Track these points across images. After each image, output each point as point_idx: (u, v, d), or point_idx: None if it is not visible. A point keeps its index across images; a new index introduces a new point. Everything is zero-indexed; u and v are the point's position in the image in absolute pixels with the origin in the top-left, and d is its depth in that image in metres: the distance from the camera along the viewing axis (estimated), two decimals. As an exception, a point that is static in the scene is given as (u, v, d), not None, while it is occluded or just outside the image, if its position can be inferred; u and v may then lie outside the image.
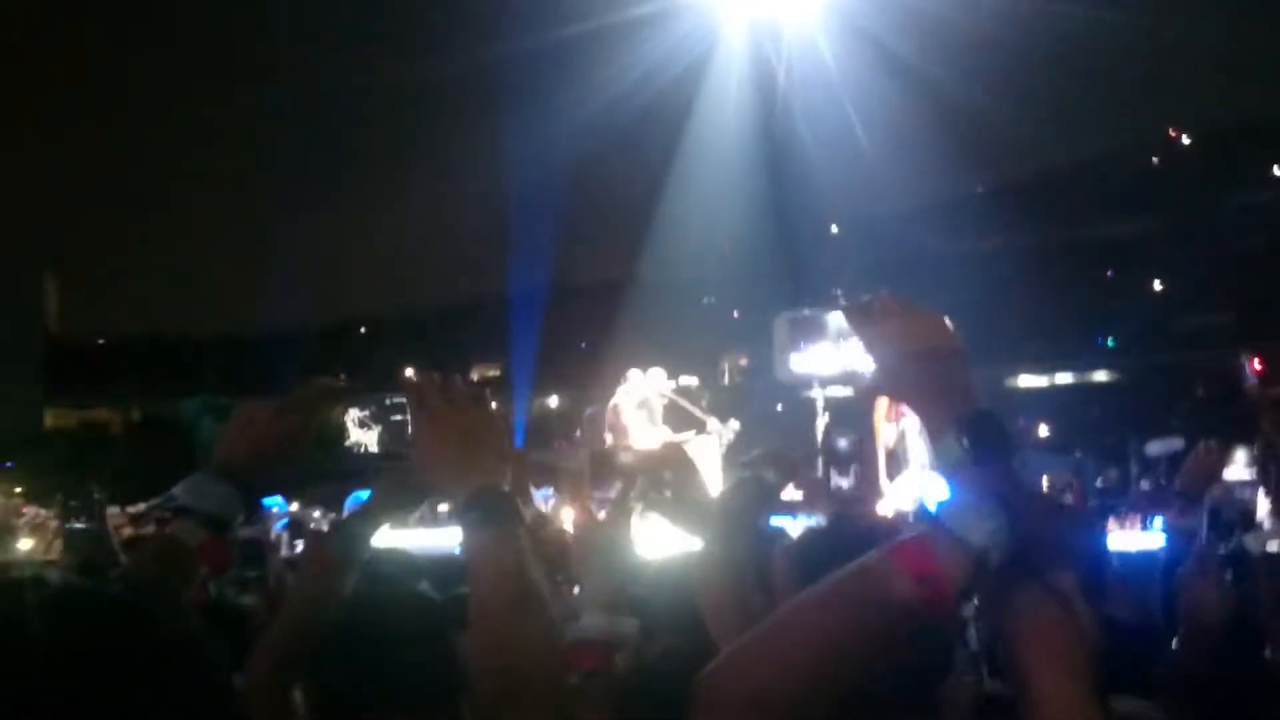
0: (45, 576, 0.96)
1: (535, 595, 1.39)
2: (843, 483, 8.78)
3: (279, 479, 1.92)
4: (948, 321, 1.26)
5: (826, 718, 1.11)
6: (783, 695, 1.09)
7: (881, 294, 1.30)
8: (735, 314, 28.40)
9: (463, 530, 1.44)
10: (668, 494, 2.01)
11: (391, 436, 1.86)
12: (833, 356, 9.86)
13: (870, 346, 1.27)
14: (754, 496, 2.22)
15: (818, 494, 8.51)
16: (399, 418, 1.77)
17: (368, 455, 1.92)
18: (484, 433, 1.50)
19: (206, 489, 1.77)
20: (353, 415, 1.91)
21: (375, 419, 1.93)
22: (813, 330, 10.19)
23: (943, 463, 1.19)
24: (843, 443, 9.66)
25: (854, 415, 10.48)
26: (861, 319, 1.28)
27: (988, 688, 1.16)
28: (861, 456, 9.85)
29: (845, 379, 9.85)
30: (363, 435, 1.90)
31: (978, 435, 1.18)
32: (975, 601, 1.13)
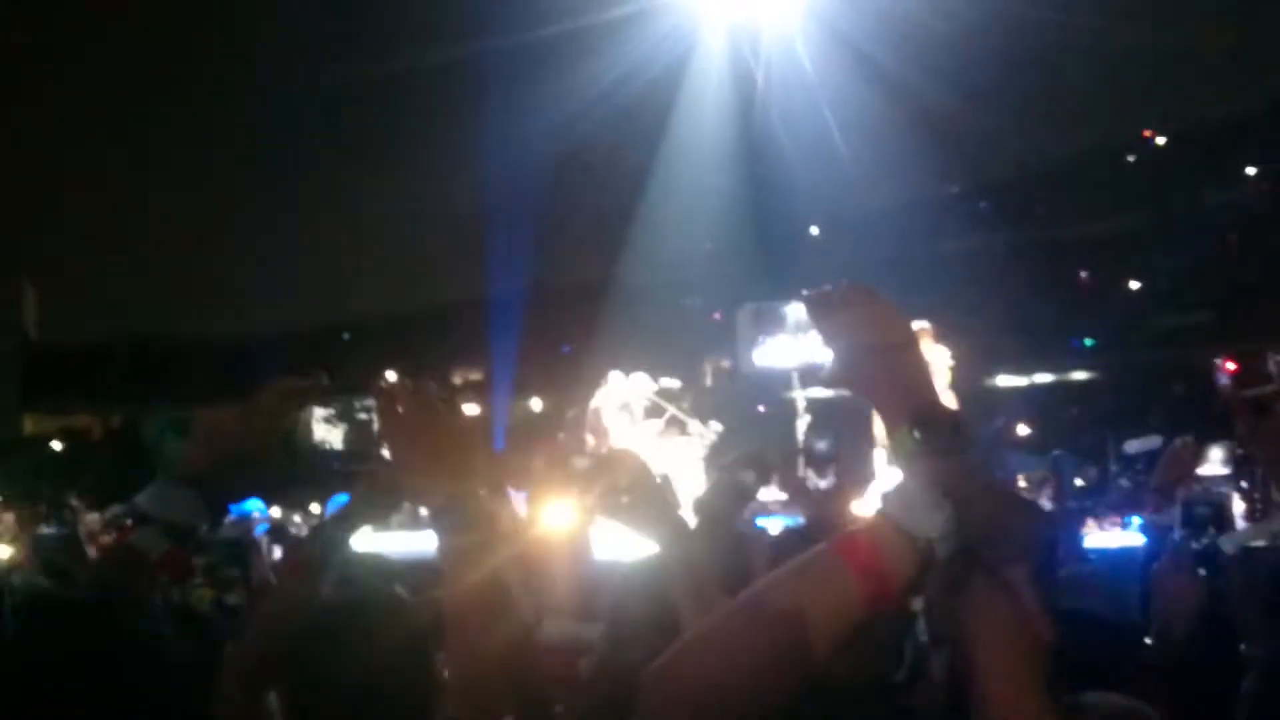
0: (10, 582, 0.97)
1: (507, 600, 1.40)
2: (821, 483, 8.81)
3: (251, 483, 1.92)
4: (904, 314, 1.26)
5: (779, 712, 1.10)
6: (727, 690, 1.08)
7: (841, 283, 1.30)
8: (716, 315, 28.42)
9: (436, 535, 1.45)
10: (624, 500, 2.02)
11: (358, 435, 1.86)
12: (792, 349, 9.88)
13: (827, 338, 1.26)
14: (731, 498, 2.24)
15: (799, 495, 8.54)
16: (365, 416, 1.77)
17: (332, 453, 1.91)
18: (456, 438, 1.50)
19: (169, 497, 1.75)
20: (318, 414, 1.91)
21: (341, 416, 1.93)
22: (772, 322, 10.17)
23: (896, 455, 1.20)
24: (821, 444, 9.67)
25: (836, 416, 10.49)
26: (820, 310, 1.27)
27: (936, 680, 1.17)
28: (840, 457, 9.87)
29: (805, 371, 9.86)
30: (328, 433, 1.90)
31: (930, 427, 1.18)
32: (925, 595, 1.13)
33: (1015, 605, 1.10)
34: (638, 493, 1.99)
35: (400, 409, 1.50)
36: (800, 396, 10.69)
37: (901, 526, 1.08)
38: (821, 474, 9.54)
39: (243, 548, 4.78)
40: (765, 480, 2.36)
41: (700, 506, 2.37)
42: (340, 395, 1.93)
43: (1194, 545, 2.53)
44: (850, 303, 1.26)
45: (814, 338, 1.30)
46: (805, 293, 1.31)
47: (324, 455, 1.91)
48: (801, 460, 9.95)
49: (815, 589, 1.08)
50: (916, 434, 1.18)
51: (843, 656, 1.12)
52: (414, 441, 1.48)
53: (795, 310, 10.31)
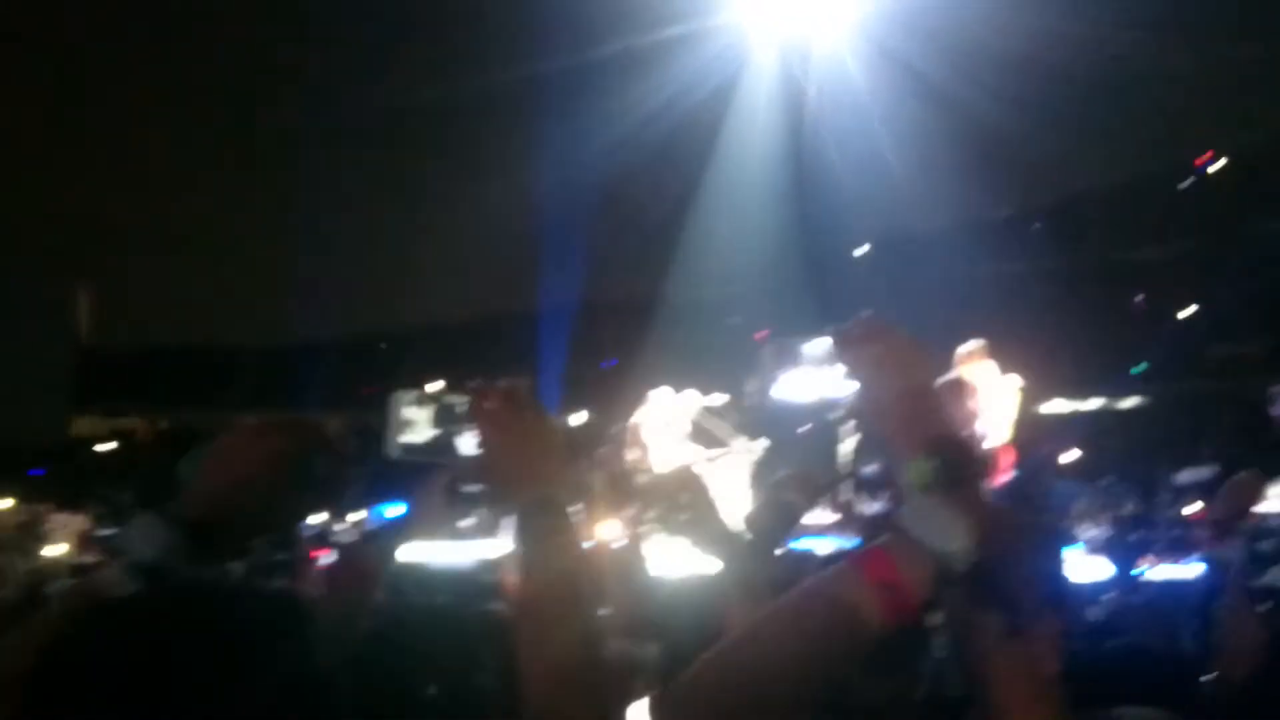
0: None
1: (584, 606, 1.41)
2: (872, 508, 8.76)
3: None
4: (924, 349, 1.28)
5: None
6: (747, 705, 1.09)
7: (862, 317, 1.32)
8: (759, 334, 28.30)
9: (519, 537, 1.45)
10: (684, 517, 2.01)
11: (446, 424, 1.83)
12: (810, 383, 10.02)
13: (852, 371, 1.29)
14: (778, 518, 2.22)
15: (850, 517, 8.50)
16: (457, 409, 1.75)
17: (417, 446, 1.88)
18: (546, 441, 1.52)
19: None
20: (410, 412, 1.89)
21: (439, 419, 1.90)
22: (790, 357, 10.31)
23: (914, 484, 1.20)
24: (871, 469, 9.64)
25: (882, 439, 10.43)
26: (844, 343, 1.30)
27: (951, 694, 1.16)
28: (892, 481, 9.80)
29: (822, 407, 9.96)
30: (415, 415, 1.87)
31: (945, 458, 1.18)
32: (942, 611, 1.12)
33: (1033, 649, 1.10)
34: (697, 509, 1.99)
35: (494, 408, 1.51)
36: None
37: (918, 541, 1.08)
38: (874, 497, 9.51)
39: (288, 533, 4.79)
40: (813, 501, 2.35)
41: (749, 526, 2.35)
42: (430, 395, 1.91)
43: (1257, 581, 2.47)
44: (871, 337, 1.30)
45: (834, 373, 1.33)
46: (831, 329, 1.35)
47: (409, 449, 1.88)
48: (852, 484, 9.92)
49: (835, 604, 1.09)
50: (931, 465, 1.19)
51: (861, 673, 1.12)
52: (506, 441, 1.50)
53: (813, 346, 10.46)
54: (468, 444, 1.74)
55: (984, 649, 1.10)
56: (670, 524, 1.97)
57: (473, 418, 1.58)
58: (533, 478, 1.47)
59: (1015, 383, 9.75)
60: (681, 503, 1.96)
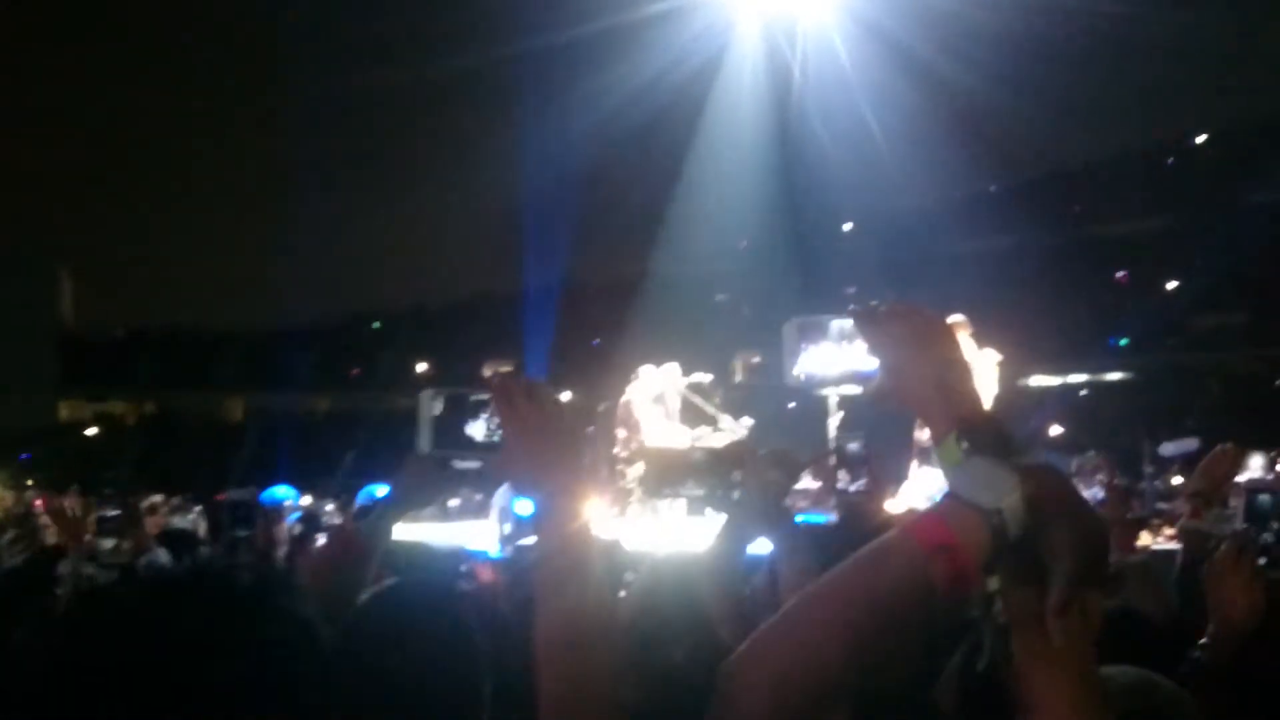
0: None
1: (602, 595, 1.44)
2: (854, 485, 8.80)
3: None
4: (952, 325, 1.28)
5: (861, 696, 1.11)
6: (807, 678, 1.09)
7: (889, 300, 1.32)
8: (746, 311, 28.40)
9: (537, 529, 1.49)
10: (736, 495, 2.04)
11: (461, 411, 1.90)
12: (837, 358, 10.16)
13: (875, 350, 1.29)
14: (763, 497, 2.25)
15: (827, 492, 8.52)
16: (484, 418, 1.82)
17: (473, 443, 1.95)
18: (566, 434, 1.55)
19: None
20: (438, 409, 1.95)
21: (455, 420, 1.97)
22: (818, 333, 10.44)
23: (942, 465, 1.21)
24: (853, 446, 9.68)
25: (870, 418, 10.50)
26: (867, 324, 1.30)
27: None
28: (873, 458, 9.85)
29: (850, 379, 10.04)
30: (472, 427, 1.94)
31: (976, 437, 1.19)
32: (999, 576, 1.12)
33: (1059, 587, 1.11)
34: (751, 488, 2.02)
35: (515, 402, 1.54)
36: (833, 394, 10.68)
37: (971, 502, 1.08)
38: (854, 475, 9.54)
39: (250, 509, 4.76)
40: (794, 479, 2.37)
41: (731, 506, 2.37)
42: (456, 392, 1.97)
43: (1257, 538, 2.48)
44: (897, 317, 1.29)
45: (857, 348, 1.33)
46: (852, 308, 1.34)
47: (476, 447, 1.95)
48: (833, 460, 9.96)
49: (892, 572, 1.09)
50: (963, 443, 1.20)
51: (919, 645, 1.11)
52: (527, 435, 1.53)
53: (841, 323, 10.55)
54: (481, 434, 1.79)
55: (1029, 615, 1.11)
56: (718, 501, 2.00)
57: (494, 412, 1.62)
58: (551, 470, 1.51)
59: (994, 358, 9.79)
60: (734, 480, 1.99)
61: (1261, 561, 2.17)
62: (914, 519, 1.09)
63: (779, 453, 2.27)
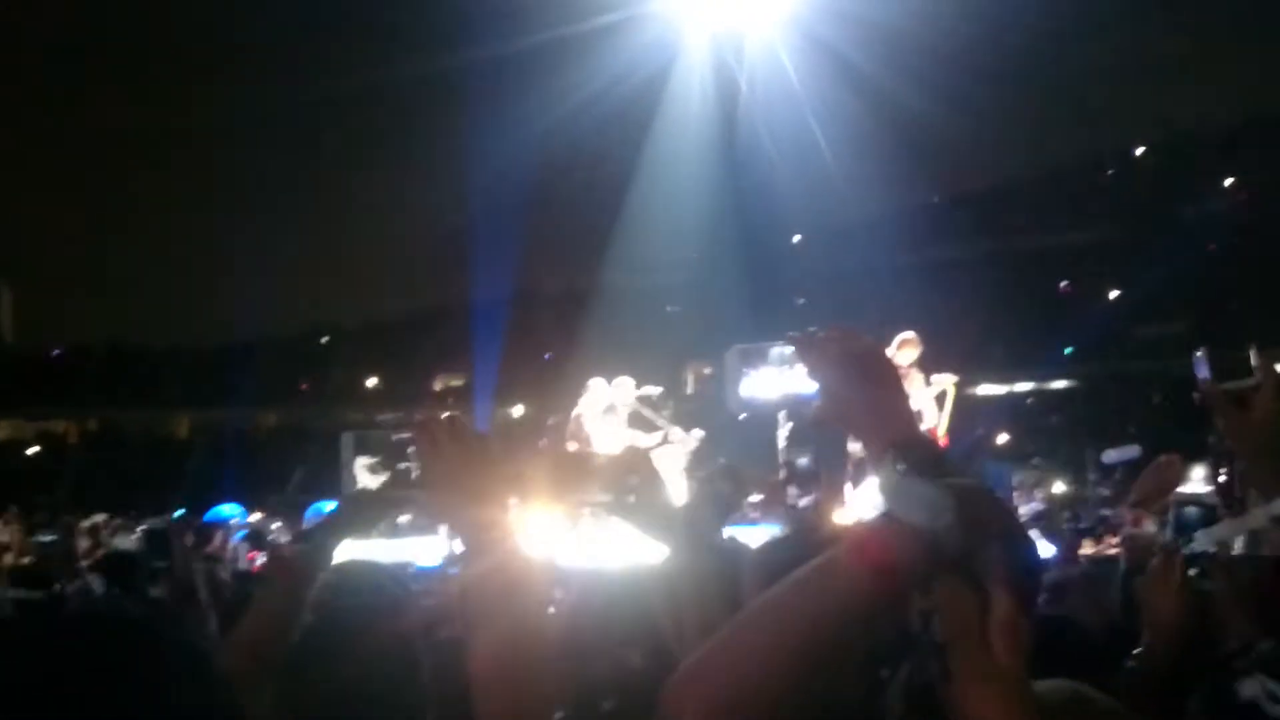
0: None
1: (535, 620, 1.47)
2: (804, 499, 8.88)
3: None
4: (903, 342, 1.32)
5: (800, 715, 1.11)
6: (749, 698, 1.10)
7: (826, 326, 1.36)
8: (697, 323, 28.49)
9: (464, 561, 1.52)
10: (632, 500, 2.03)
11: (396, 482, 1.93)
12: (778, 382, 10.48)
13: (814, 374, 1.32)
14: (711, 510, 2.26)
15: (776, 503, 8.56)
16: (405, 465, 1.84)
17: (368, 494, 2.00)
18: (489, 472, 1.57)
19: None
20: (361, 462, 1.98)
21: (384, 465, 1.99)
22: (759, 359, 10.78)
23: (881, 486, 1.23)
24: (803, 460, 9.77)
25: (815, 433, 10.61)
26: (806, 349, 1.33)
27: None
28: (822, 472, 9.94)
29: (791, 403, 10.29)
30: (369, 480, 1.99)
31: (912, 458, 1.22)
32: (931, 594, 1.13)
33: (999, 605, 1.12)
34: (645, 493, 2.02)
35: (438, 444, 1.56)
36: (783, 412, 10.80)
37: (907, 519, 1.10)
38: (804, 490, 9.62)
39: (163, 537, 4.65)
40: (743, 493, 2.39)
41: (682, 519, 2.37)
42: (379, 434, 2.01)
43: (1184, 550, 2.53)
44: (833, 342, 1.32)
45: (798, 373, 1.35)
46: (791, 334, 1.37)
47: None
48: (783, 475, 10.03)
49: (829, 594, 1.10)
50: (899, 465, 1.22)
51: (859, 665, 1.11)
52: (450, 475, 1.55)
53: (780, 349, 10.81)
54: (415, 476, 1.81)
55: (966, 633, 1.11)
56: (619, 508, 2.00)
57: (416, 449, 1.64)
58: (475, 506, 1.53)
59: (950, 380, 9.96)
60: (630, 485, 1.99)
61: (1192, 573, 2.22)
62: (850, 540, 1.10)
63: (730, 468, 2.29)
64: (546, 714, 1.49)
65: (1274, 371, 2.15)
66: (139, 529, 10.30)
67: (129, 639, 0.96)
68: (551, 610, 2.23)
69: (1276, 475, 1.05)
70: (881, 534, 1.09)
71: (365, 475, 11.56)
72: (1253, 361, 2.20)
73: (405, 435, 1.85)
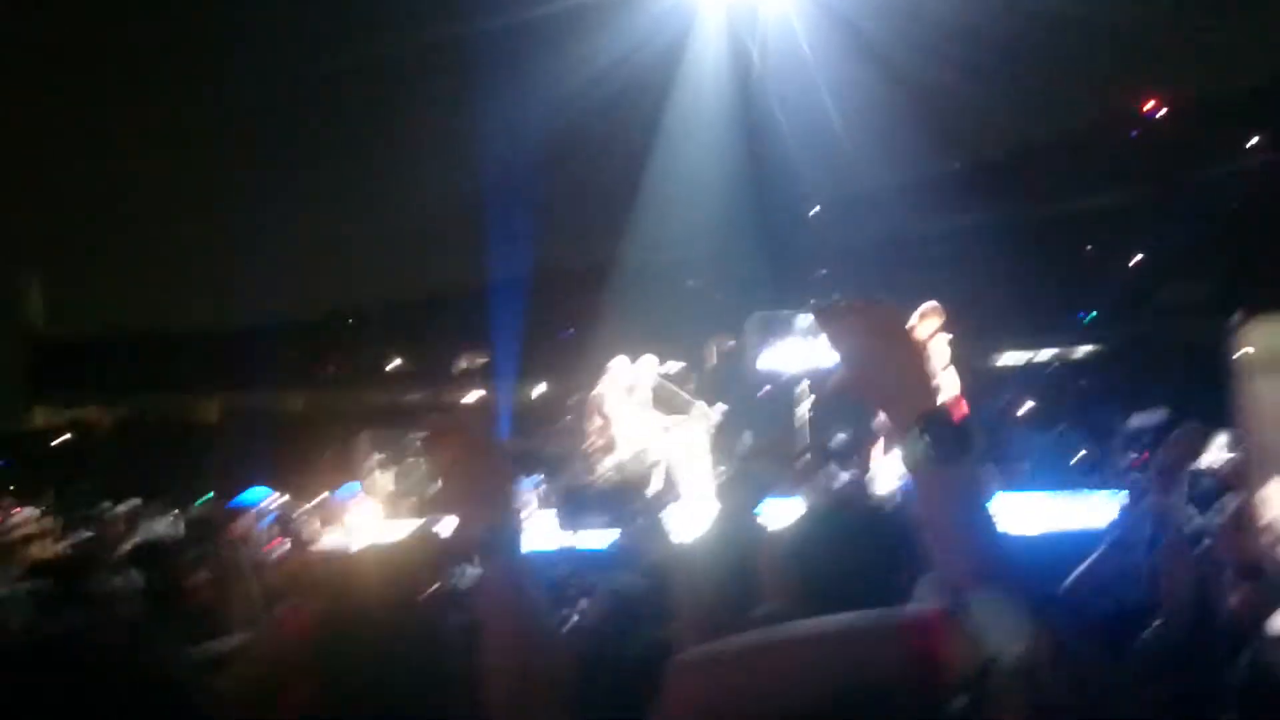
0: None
1: (537, 621, 1.49)
2: (842, 476, 8.88)
3: None
4: (926, 312, 1.32)
5: None
6: (750, 712, 1.10)
7: (850, 296, 1.33)
8: (718, 296, 28.40)
9: (479, 561, 1.54)
10: (640, 522, 2.09)
11: (404, 479, 1.97)
12: (800, 352, 10.43)
13: (837, 345, 1.30)
14: (751, 489, 2.28)
15: (814, 483, 8.59)
16: (413, 460, 1.88)
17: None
18: (497, 474, 1.58)
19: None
20: (375, 458, 2.01)
21: (392, 462, 2.03)
22: (782, 328, 10.69)
23: (907, 460, 1.23)
24: (840, 437, 9.73)
25: (846, 408, 10.60)
26: (829, 320, 1.31)
27: None
28: (860, 450, 9.91)
29: (811, 375, 10.25)
30: (382, 476, 2.01)
31: (939, 433, 1.22)
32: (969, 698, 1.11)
33: None
34: (650, 520, 2.06)
35: (447, 448, 1.58)
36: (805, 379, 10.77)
37: (974, 630, 1.08)
38: (843, 466, 9.58)
39: (211, 526, 4.74)
40: (784, 470, 2.41)
41: (720, 497, 2.40)
42: (394, 434, 2.03)
43: (1195, 523, 2.55)
44: (858, 312, 1.30)
45: (821, 344, 1.34)
46: (814, 303, 1.34)
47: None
48: (820, 452, 10.02)
49: (876, 654, 1.08)
50: (925, 439, 1.22)
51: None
52: (459, 477, 1.57)
53: (804, 318, 10.75)
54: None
55: None
56: (624, 528, 2.05)
57: (426, 450, 1.66)
58: (484, 508, 1.54)
59: (943, 337, 9.90)
60: (636, 509, 2.03)
61: (1205, 543, 2.24)
62: (918, 614, 1.09)
63: (769, 444, 2.31)
64: (556, 705, 1.52)
65: None
66: (172, 514, 10.43)
67: (98, 675, 0.98)
68: (575, 618, 2.28)
69: None
70: (948, 629, 1.08)
71: (378, 472, 11.68)
72: None
73: (418, 435, 1.89)
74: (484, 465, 1.58)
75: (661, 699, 1.14)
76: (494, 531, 1.55)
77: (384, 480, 11.81)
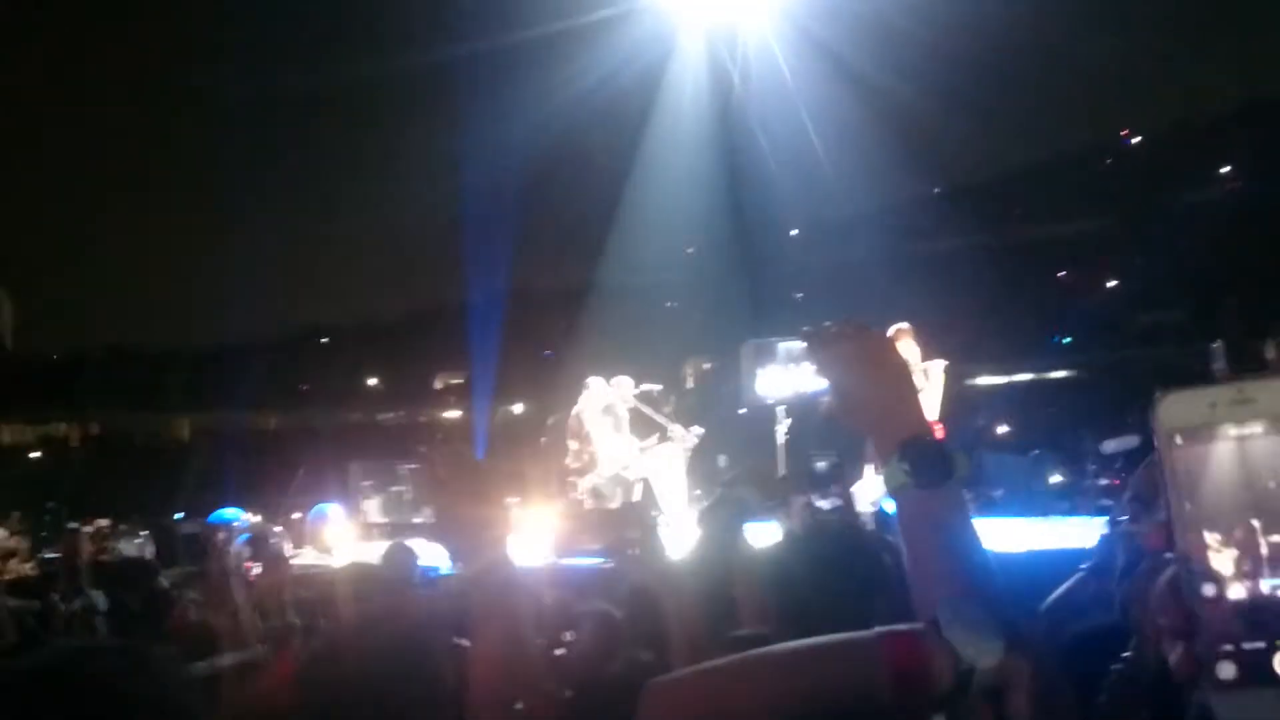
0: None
1: (529, 652, 1.49)
2: (824, 504, 8.87)
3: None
4: (896, 332, 1.32)
5: None
6: None
7: (838, 322, 1.34)
8: (696, 318, 28.49)
9: (474, 595, 1.53)
10: (633, 552, 2.08)
11: (390, 507, 1.97)
12: (786, 379, 10.67)
13: (824, 371, 1.31)
14: (733, 514, 2.28)
15: (795, 509, 8.57)
16: (397, 489, 1.88)
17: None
18: (491, 503, 1.58)
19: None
20: (364, 486, 2.00)
21: (378, 490, 2.03)
22: (768, 356, 10.94)
23: (889, 484, 1.24)
24: (821, 464, 9.73)
25: (822, 425, 10.63)
26: (817, 345, 1.32)
27: None
28: (842, 475, 9.93)
29: (798, 400, 10.40)
30: (370, 504, 2.00)
31: (919, 459, 1.22)
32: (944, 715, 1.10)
33: None
34: (646, 546, 2.05)
35: (443, 475, 1.57)
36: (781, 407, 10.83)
37: (950, 645, 1.07)
38: (823, 495, 9.59)
39: (204, 544, 4.72)
40: (768, 497, 2.42)
41: (702, 521, 2.40)
42: (383, 464, 2.02)
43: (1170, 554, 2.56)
44: (845, 338, 1.31)
45: (805, 370, 1.35)
46: (805, 329, 1.35)
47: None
48: (804, 478, 10.05)
49: (850, 671, 1.07)
50: (906, 466, 1.22)
51: None
52: (455, 506, 1.56)
53: (788, 345, 10.94)
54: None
55: None
56: (618, 557, 2.04)
57: (418, 478, 1.67)
58: (481, 538, 1.53)
59: (940, 365, 9.99)
60: (632, 539, 2.02)
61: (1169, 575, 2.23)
62: (892, 632, 1.08)
63: (754, 471, 2.31)
64: (540, 710, 1.51)
65: None
66: (141, 535, 10.34)
67: (100, 697, 0.97)
68: (564, 646, 2.27)
69: None
70: (922, 644, 1.07)
71: (366, 497, 11.69)
72: (1269, 353, 2.20)
73: (409, 466, 1.90)
74: (480, 494, 1.57)
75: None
76: (480, 533, 1.54)
77: (372, 507, 11.79)
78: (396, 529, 10.93)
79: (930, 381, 10.00)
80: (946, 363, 10.05)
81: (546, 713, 1.59)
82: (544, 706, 1.58)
